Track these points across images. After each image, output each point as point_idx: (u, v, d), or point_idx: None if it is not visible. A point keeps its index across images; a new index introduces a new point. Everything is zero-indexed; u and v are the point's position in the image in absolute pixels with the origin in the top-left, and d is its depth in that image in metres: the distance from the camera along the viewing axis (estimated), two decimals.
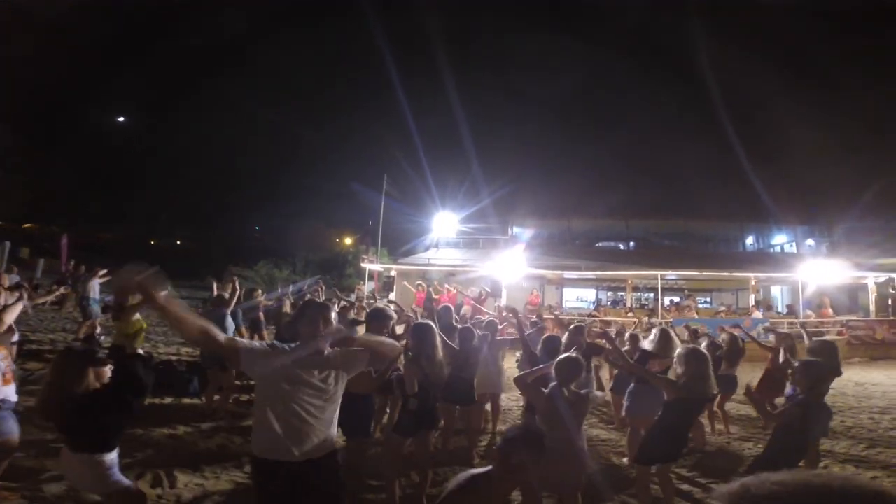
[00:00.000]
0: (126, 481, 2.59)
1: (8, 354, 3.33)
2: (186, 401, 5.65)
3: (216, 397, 5.32)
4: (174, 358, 7.52)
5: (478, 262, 15.11)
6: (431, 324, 3.57)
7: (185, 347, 9.04)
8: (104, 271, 8.91)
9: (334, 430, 2.25)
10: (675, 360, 3.36)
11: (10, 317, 3.05)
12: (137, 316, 5.04)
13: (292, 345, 2.24)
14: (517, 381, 3.40)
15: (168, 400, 5.61)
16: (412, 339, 3.49)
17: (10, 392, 3.17)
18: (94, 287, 9.63)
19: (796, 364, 3.52)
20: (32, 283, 10.73)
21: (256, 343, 2.30)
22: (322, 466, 2.13)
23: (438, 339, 3.57)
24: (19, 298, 3.25)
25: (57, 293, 7.60)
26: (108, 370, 2.68)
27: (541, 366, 3.85)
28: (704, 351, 3.53)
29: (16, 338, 3.95)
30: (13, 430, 3.13)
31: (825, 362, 3.63)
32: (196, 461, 3.94)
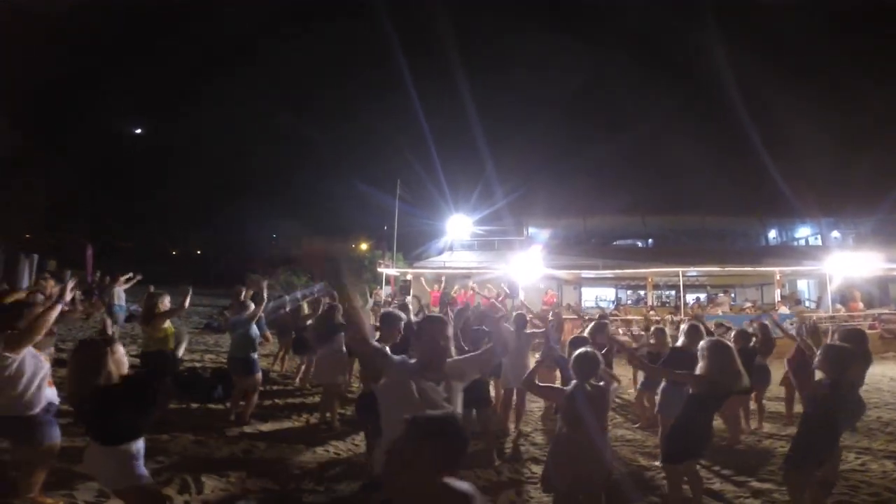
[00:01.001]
0: (148, 477, 2.57)
1: (48, 358, 3.41)
2: (212, 406, 5.72)
3: (241, 403, 5.37)
4: (198, 364, 7.64)
5: (493, 263, 15.05)
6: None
7: (208, 354, 9.18)
8: (126, 277, 9.08)
9: None
10: (698, 353, 3.29)
11: (49, 320, 3.13)
12: (167, 322, 5.13)
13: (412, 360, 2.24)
14: (525, 384, 3.31)
15: (194, 406, 5.69)
16: None
17: (53, 395, 3.23)
18: (119, 294, 9.84)
19: (818, 351, 3.36)
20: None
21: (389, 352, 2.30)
22: None
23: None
24: (56, 303, 3.31)
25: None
26: (125, 358, 2.65)
27: (537, 365, 3.78)
28: (728, 342, 3.43)
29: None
30: (56, 435, 3.17)
31: (852, 348, 3.49)
32: (222, 467, 3.97)
